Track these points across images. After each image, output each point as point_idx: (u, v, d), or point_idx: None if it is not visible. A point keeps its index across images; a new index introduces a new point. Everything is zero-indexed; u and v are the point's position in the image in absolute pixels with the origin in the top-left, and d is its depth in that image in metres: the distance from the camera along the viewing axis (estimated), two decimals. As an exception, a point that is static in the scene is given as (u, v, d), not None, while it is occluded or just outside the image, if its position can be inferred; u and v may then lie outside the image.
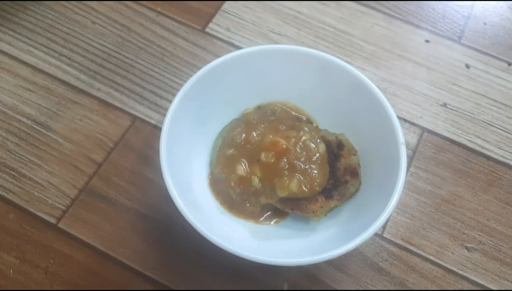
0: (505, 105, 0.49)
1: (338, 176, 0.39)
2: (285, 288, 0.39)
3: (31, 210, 0.42)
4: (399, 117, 0.40)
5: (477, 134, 0.47)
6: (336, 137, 0.41)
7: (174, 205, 0.34)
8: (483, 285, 0.40)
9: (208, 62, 0.41)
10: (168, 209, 0.41)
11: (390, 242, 0.42)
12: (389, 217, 0.38)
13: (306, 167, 0.38)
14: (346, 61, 0.42)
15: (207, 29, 0.53)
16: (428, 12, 0.55)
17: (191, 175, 0.40)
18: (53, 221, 0.41)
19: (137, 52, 0.51)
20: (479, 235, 0.42)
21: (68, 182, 0.43)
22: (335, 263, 0.40)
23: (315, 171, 0.38)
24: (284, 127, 0.41)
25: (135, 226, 0.41)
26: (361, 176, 0.40)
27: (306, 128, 0.40)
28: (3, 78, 0.49)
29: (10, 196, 0.42)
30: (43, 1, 0.53)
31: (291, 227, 0.40)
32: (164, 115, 0.41)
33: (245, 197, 0.39)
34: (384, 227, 0.42)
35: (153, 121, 0.47)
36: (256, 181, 0.39)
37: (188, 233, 0.34)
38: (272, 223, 0.40)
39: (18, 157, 0.44)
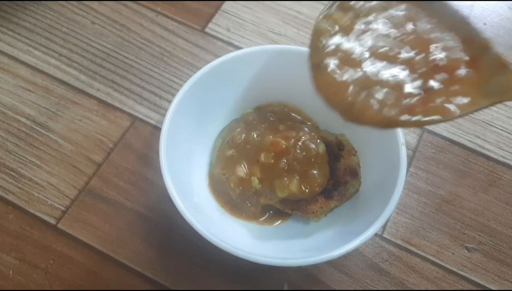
0: (505, 105, 0.49)
1: (338, 176, 0.39)
2: (285, 289, 0.39)
3: (31, 210, 0.42)
4: (399, 118, 0.40)
5: (477, 134, 0.47)
6: (336, 137, 0.41)
7: (173, 206, 0.34)
8: (483, 286, 0.40)
9: (208, 62, 0.41)
10: (168, 209, 0.41)
11: (390, 242, 0.42)
12: (389, 217, 0.38)
13: (306, 168, 0.38)
14: (346, 62, 0.42)
15: (206, 29, 0.53)
16: (428, 12, 0.55)
17: (191, 175, 0.40)
18: (52, 221, 0.41)
19: (137, 52, 0.51)
20: (479, 235, 0.42)
21: (67, 183, 0.43)
22: (335, 264, 0.40)
23: (315, 172, 0.38)
24: (284, 127, 0.41)
25: (134, 226, 0.41)
26: (361, 176, 0.40)
27: (306, 129, 0.40)
28: (2, 78, 0.48)
29: (9, 197, 0.42)
30: (42, 1, 0.53)
31: (291, 227, 0.40)
32: (164, 115, 0.41)
33: (245, 197, 0.39)
34: (384, 227, 0.42)
35: (152, 122, 0.47)
36: (256, 181, 0.38)
37: (188, 233, 0.34)
38: (272, 223, 0.40)
39: (18, 157, 0.44)
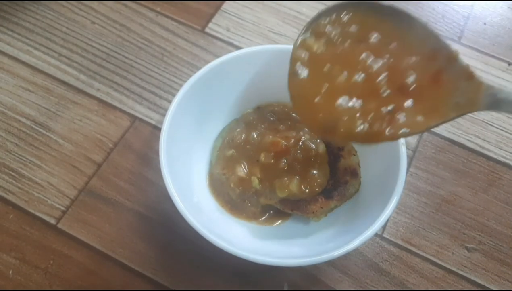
0: (505, 105, 0.49)
1: (338, 176, 0.39)
2: (285, 289, 0.39)
3: (31, 210, 0.42)
4: (399, 118, 0.40)
5: (477, 134, 0.47)
6: (336, 137, 0.41)
7: (173, 206, 0.34)
8: (483, 286, 0.40)
9: (208, 62, 0.41)
10: (168, 209, 0.41)
11: (390, 242, 0.42)
12: (389, 217, 0.38)
13: (306, 168, 0.38)
14: (346, 61, 0.42)
15: (206, 29, 0.53)
16: (428, 12, 0.55)
17: (191, 175, 0.40)
18: (52, 221, 0.41)
19: (137, 52, 0.51)
20: (479, 235, 0.42)
21: (67, 182, 0.43)
22: (335, 264, 0.40)
23: (315, 172, 0.38)
24: (284, 127, 0.41)
25: (134, 226, 0.41)
26: (361, 176, 0.40)
27: (305, 129, 0.40)
28: (2, 78, 0.48)
29: (9, 197, 0.42)
30: (42, 1, 0.53)
31: (291, 227, 0.40)
32: (163, 115, 0.41)
33: (245, 197, 0.39)
34: (384, 227, 0.42)
35: (152, 122, 0.47)
36: (256, 181, 0.38)
37: (188, 233, 0.34)
38: (272, 223, 0.40)
39: (18, 157, 0.44)
